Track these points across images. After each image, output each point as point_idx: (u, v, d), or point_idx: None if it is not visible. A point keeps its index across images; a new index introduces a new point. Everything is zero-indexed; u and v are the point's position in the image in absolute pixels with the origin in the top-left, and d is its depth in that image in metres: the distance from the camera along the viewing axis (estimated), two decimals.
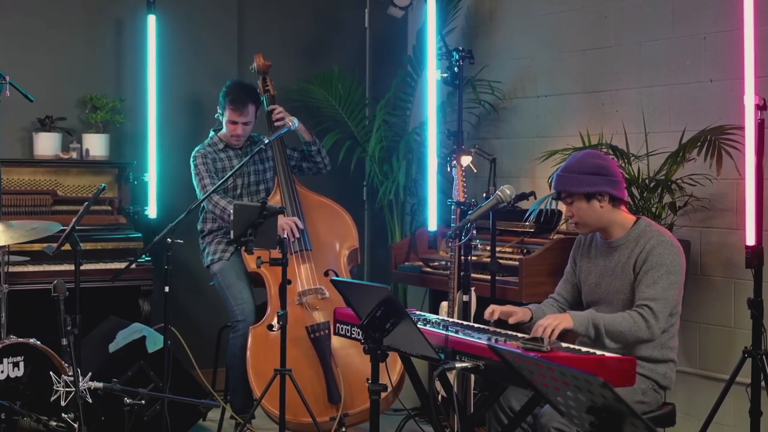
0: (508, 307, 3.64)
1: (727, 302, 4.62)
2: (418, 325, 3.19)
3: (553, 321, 3.38)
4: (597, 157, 3.69)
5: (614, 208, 3.62)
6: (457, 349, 3.19)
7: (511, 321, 3.61)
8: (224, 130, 5.12)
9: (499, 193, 3.86)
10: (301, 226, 4.96)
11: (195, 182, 5.05)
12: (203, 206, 5.03)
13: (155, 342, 4.64)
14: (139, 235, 5.29)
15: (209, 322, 5.63)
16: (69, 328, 3.98)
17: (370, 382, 3.30)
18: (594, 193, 3.57)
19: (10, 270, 4.59)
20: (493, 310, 3.59)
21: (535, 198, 4.58)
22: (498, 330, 3.48)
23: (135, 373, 4.56)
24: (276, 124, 5.11)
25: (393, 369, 4.65)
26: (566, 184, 3.61)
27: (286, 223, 4.85)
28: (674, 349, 3.60)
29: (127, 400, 4.05)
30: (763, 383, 3.95)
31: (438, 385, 4.15)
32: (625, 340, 3.42)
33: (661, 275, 3.49)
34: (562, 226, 4.82)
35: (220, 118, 5.13)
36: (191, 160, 5.08)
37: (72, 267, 4.16)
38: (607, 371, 2.96)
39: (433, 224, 5.39)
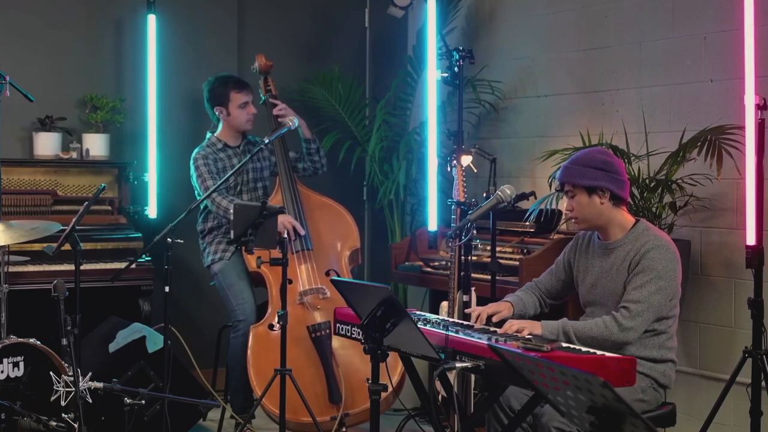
0: (491, 308, 3.66)
1: (727, 302, 4.62)
2: (418, 325, 3.19)
3: (523, 324, 3.44)
4: (605, 153, 3.70)
5: (615, 207, 3.61)
6: (458, 349, 3.19)
7: (495, 320, 3.65)
8: (234, 120, 5.11)
9: (499, 193, 3.86)
10: (301, 231, 4.95)
11: (196, 184, 5.04)
12: (203, 206, 5.03)
13: (155, 342, 4.64)
14: (139, 235, 5.29)
15: (209, 322, 5.63)
16: (69, 328, 3.98)
17: (370, 382, 3.30)
18: (596, 187, 3.56)
19: (10, 270, 4.59)
20: (479, 314, 3.61)
21: (535, 198, 4.58)
22: (497, 330, 3.49)
23: (135, 373, 4.56)
24: (279, 120, 5.12)
25: (393, 369, 4.65)
26: (570, 176, 3.61)
27: (287, 222, 4.86)
28: (673, 349, 3.60)
29: (127, 400, 4.04)
30: (763, 383, 3.95)
31: (438, 385, 4.15)
32: (598, 345, 3.38)
33: (650, 279, 3.49)
34: (563, 226, 4.82)
35: (221, 115, 5.13)
36: (191, 162, 5.08)
37: (72, 267, 4.16)
38: (607, 371, 2.96)
39: (433, 224, 5.39)
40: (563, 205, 3.78)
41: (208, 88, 5.17)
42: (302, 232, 4.95)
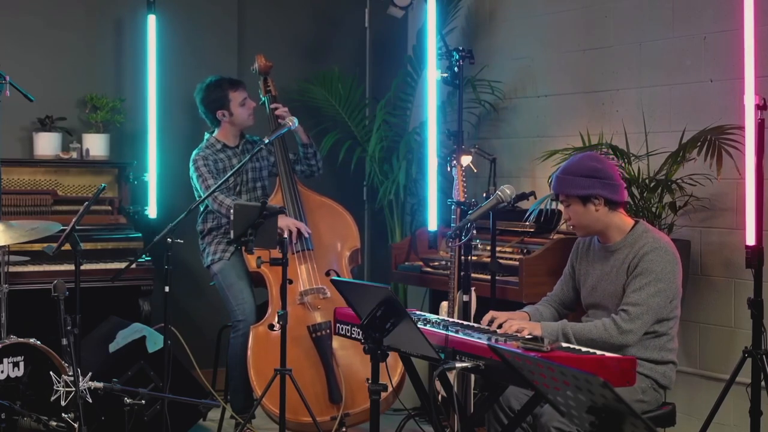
0: (506, 317, 3.61)
1: (727, 302, 4.62)
2: (418, 325, 3.19)
3: (523, 325, 3.44)
4: (594, 159, 3.68)
5: (611, 211, 3.61)
6: (458, 349, 3.19)
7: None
8: (237, 119, 5.11)
9: (499, 193, 3.86)
10: (305, 233, 4.94)
11: (197, 184, 5.03)
12: (203, 206, 5.02)
13: (155, 342, 4.64)
14: (139, 235, 5.29)
15: (209, 322, 5.63)
16: (69, 328, 3.98)
17: (370, 382, 3.30)
18: (589, 196, 3.56)
19: (10, 270, 4.59)
20: (493, 318, 3.58)
21: (535, 198, 4.58)
22: (497, 330, 3.48)
23: (135, 373, 4.56)
24: (279, 121, 5.12)
25: (393, 369, 4.65)
26: (562, 187, 3.62)
27: (293, 224, 4.87)
28: (673, 351, 3.60)
29: (127, 400, 4.04)
30: (763, 383, 3.95)
31: (438, 385, 4.15)
32: (597, 347, 3.36)
33: (649, 282, 3.49)
34: (562, 226, 4.82)
35: (224, 117, 5.12)
36: (191, 163, 5.07)
37: (72, 267, 4.16)
38: (607, 371, 2.96)
39: (433, 224, 5.39)
40: (562, 208, 3.77)
41: (201, 96, 5.15)
42: (307, 234, 4.95)
